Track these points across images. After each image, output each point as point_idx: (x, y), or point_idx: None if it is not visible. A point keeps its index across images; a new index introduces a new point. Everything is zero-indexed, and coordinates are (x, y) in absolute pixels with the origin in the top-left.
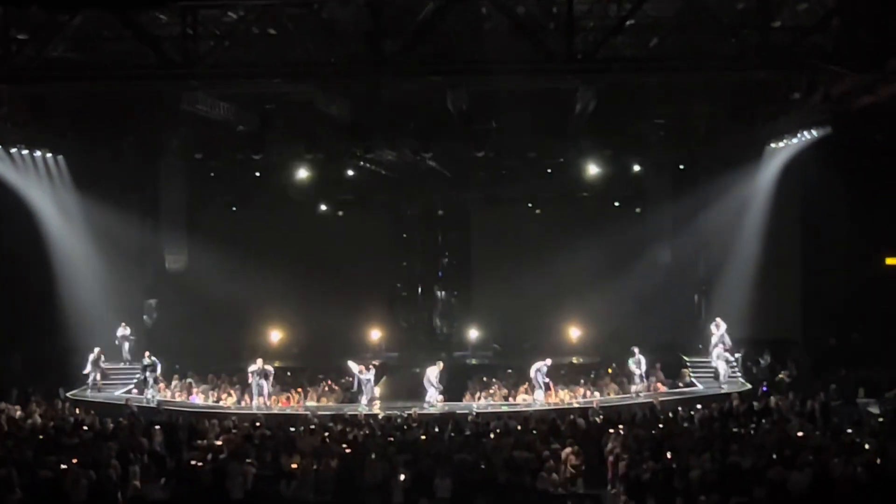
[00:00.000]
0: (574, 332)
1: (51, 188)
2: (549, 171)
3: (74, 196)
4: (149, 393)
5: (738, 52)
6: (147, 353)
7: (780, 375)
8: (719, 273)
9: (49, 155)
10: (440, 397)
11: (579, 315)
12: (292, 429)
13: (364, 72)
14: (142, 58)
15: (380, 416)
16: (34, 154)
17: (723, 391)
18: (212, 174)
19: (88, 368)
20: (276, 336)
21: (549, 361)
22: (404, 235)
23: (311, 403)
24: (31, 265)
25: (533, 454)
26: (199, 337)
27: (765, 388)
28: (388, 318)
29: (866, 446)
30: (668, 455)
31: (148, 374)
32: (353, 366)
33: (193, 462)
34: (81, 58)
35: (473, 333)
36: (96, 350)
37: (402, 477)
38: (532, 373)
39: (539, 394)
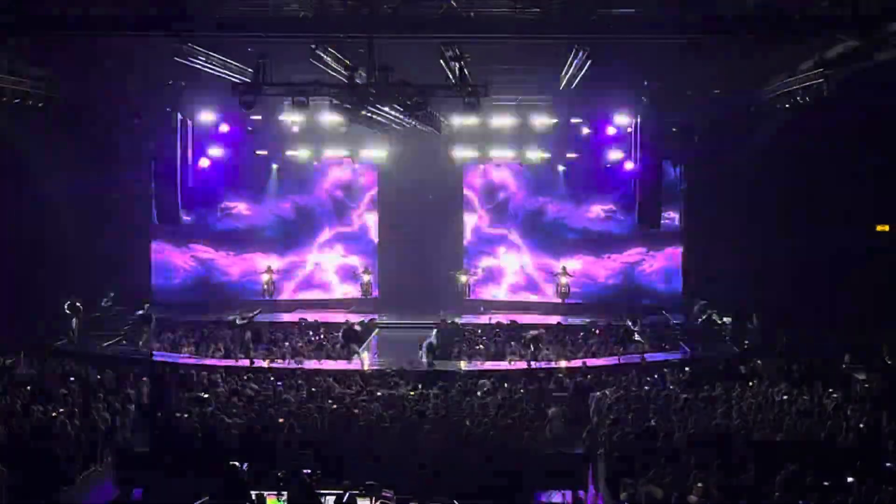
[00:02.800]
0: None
1: (42, 137)
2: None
3: (67, 146)
4: (140, 343)
5: (735, 16)
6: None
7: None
8: (709, 236)
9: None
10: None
11: (570, 276)
12: (280, 383)
13: (359, 28)
14: (137, 10)
15: (367, 372)
16: (27, 103)
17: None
18: (204, 126)
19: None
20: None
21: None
22: (395, 192)
23: (299, 358)
24: (20, 215)
25: (519, 413)
26: None
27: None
28: (376, 275)
29: (849, 411)
30: (653, 416)
31: (143, 324)
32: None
33: (180, 415)
34: (77, 9)
35: (462, 293)
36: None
37: (389, 433)
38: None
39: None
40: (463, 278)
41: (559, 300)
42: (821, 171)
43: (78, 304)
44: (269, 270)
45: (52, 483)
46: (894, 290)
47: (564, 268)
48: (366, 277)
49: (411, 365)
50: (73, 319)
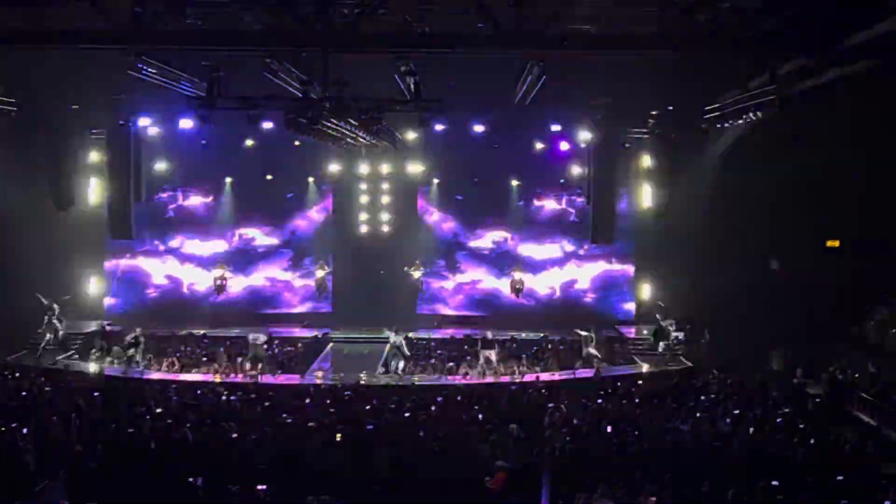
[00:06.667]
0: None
1: None
2: (495, 145)
3: (20, 159)
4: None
5: (688, 33)
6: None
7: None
8: (662, 253)
9: None
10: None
11: (527, 291)
12: (234, 398)
13: (314, 43)
14: (89, 22)
15: (321, 386)
16: None
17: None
18: (159, 141)
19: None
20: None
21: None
22: (352, 208)
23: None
24: None
25: (475, 428)
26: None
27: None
28: (335, 291)
29: (801, 425)
30: (609, 429)
31: (98, 339)
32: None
33: (133, 430)
34: (28, 22)
35: (417, 288)
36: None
37: (341, 443)
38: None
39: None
40: (416, 273)
41: (513, 296)
42: (772, 185)
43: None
44: (221, 266)
45: (6, 499)
46: (845, 305)
47: (519, 263)
48: (320, 273)
49: (366, 379)
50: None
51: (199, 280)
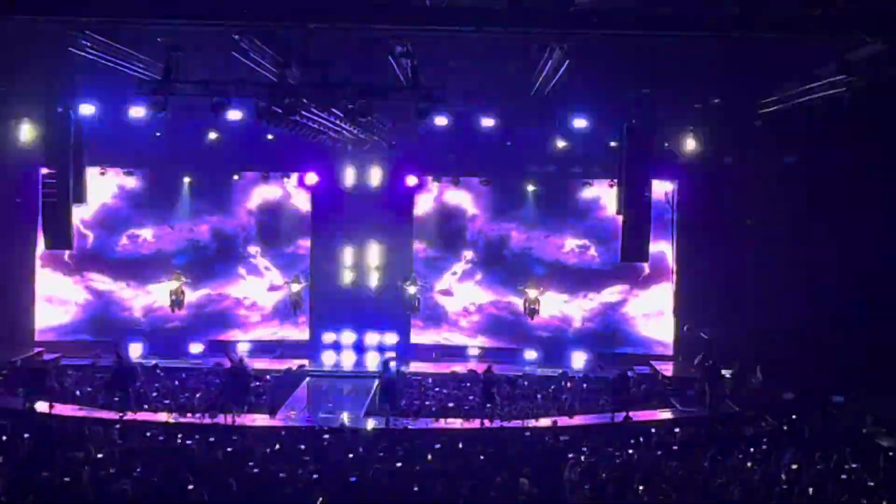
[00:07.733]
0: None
1: None
2: (507, 143)
3: None
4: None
5: (747, 13)
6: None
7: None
8: (703, 274)
9: None
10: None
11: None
12: (189, 441)
13: (293, 16)
14: None
15: (295, 429)
16: None
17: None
18: (106, 132)
19: None
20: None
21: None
22: (333, 213)
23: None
24: None
25: (478, 480)
26: None
27: None
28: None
29: (870, 483)
30: (641, 488)
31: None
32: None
33: (67, 479)
34: None
35: (413, 307)
36: None
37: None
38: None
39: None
40: (412, 289)
41: (527, 318)
42: (839, 196)
43: None
44: (177, 276)
45: None
46: None
47: (533, 279)
48: (295, 287)
49: (348, 421)
50: None
51: (145, 296)
